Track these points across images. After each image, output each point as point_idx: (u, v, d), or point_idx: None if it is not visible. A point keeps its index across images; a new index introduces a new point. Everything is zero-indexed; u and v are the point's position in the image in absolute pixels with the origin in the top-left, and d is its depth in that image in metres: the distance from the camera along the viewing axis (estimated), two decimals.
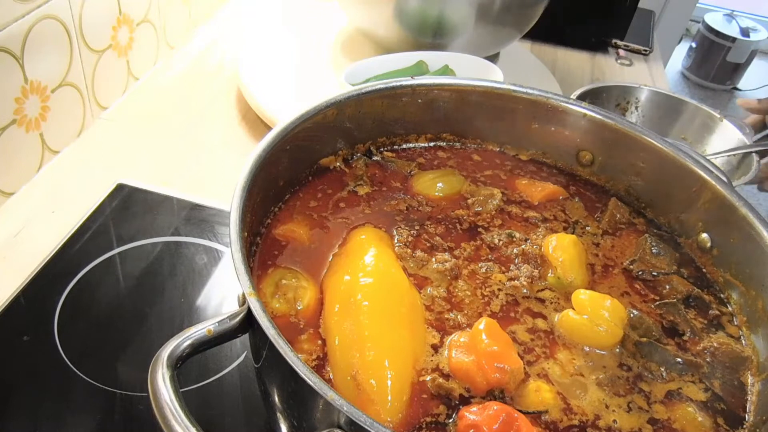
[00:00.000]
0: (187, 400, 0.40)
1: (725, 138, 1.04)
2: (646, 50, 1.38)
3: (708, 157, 0.96)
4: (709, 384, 0.51)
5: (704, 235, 0.61)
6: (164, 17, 1.09)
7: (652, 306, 0.57)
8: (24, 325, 0.67)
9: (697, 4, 2.78)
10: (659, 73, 1.34)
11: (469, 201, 0.65)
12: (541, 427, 0.46)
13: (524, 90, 0.68)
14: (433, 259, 0.57)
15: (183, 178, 0.89)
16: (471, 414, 0.44)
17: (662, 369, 0.51)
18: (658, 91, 1.10)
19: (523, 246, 0.60)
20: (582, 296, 0.53)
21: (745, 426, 0.49)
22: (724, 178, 0.61)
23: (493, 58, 1.04)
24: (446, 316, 0.53)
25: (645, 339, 0.52)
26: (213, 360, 0.66)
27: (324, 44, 1.15)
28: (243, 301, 0.45)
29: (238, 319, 0.45)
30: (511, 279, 0.57)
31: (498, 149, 0.73)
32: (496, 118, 0.71)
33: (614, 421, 0.47)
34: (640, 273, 0.60)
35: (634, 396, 0.49)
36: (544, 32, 1.26)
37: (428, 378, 0.48)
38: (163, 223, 0.80)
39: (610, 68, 1.32)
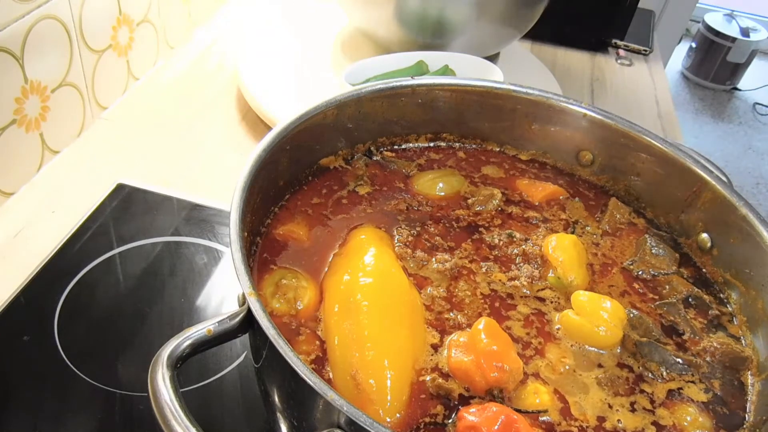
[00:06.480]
0: (187, 400, 0.40)
1: None
2: (646, 50, 1.38)
3: None
4: (709, 384, 0.51)
5: (704, 235, 0.61)
6: (164, 17, 1.09)
7: (652, 306, 0.57)
8: (24, 325, 0.67)
9: (697, 4, 2.78)
10: (659, 73, 1.34)
11: (469, 201, 0.65)
12: (541, 428, 0.46)
13: (524, 90, 0.68)
14: (433, 259, 0.57)
15: (183, 178, 0.89)
16: (470, 415, 0.44)
17: (662, 369, 0.51)
18: None
19: (523, 246, 0.60)
20: (581, 297, 0.53)
21: (745, 426, 0.49)
22: (724, 178, 0.61)
23: (493, 58, 1.04)
24: (446, 316, 0.53)
25: (645, 339, 0.52)
26: (213, 360, 0.66)
27: (324, 44, 1.15)
28: (243, 301, 0.45)
29: (238, 319, 0.45)
30: (511, 279, 0.57)
31: (498, 149, 0.73)
32: (496, 118, 0.71)
33: (618, 421, 0.47)
34: (639, 273, 0.60)
35: (637, 396, 0.49)
36: (544, 32, 1.26)
37: (428, 378, 0.48)
38: (163, 223, 0.80)
39: (610, 68, 1.32)
